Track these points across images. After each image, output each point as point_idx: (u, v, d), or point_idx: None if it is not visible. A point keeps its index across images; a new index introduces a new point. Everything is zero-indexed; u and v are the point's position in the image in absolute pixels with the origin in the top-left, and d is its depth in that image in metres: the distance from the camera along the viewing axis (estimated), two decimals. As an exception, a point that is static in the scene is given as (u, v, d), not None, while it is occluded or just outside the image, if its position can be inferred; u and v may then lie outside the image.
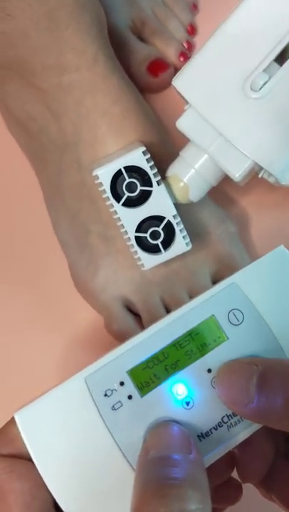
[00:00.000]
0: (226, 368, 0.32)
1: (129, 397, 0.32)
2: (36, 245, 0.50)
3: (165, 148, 0.44)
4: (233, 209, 0.51)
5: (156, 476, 0.29)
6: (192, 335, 0.33)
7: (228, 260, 0.46)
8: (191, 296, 0.46)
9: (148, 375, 0.32)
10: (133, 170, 0.41)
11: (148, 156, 0.40)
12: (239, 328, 0.33)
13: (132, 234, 0.41)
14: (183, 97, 0.40)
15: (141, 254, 0.42)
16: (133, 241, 0.41)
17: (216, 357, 0.33)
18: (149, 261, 0.42)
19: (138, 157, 0.40)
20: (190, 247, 0.42)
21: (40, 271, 0.49)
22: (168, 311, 0.46)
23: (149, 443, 0.31)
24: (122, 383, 0.32)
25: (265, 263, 0.35)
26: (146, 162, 0.40)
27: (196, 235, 0.45)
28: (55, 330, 0.48)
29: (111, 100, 0.42)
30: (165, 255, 0.42)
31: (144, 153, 0.40)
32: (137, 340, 0.33)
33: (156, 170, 0.41)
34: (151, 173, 0.40)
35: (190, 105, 0.40)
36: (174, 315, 0.34)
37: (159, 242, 0.41)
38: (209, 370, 0.33)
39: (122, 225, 0.41)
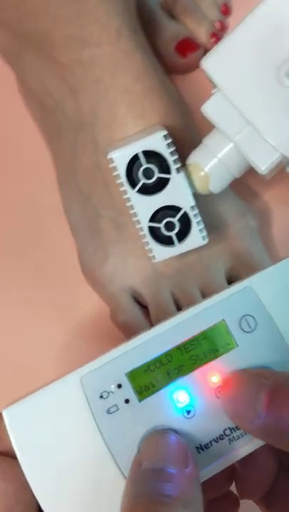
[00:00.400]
0: (233, 378, 0.30)
1: (127, 401, 0.30)
2: (46, 227, 0.47)
3: (188, 134, 0.42)
4: (255, 203, 0.48)
5: (147, 490, 0.26)
6: (199, 339, 0.31)
7: (245, 257, 0.43)
8: (203, 293, 0.43)
9: (148, 379, 0.30)
10: (151, 155, 0.38)
11: (169, 140, 0.38)
12: (250, 336, 0.31)
13: (145, 223, 0.39)
14: (211, 80, 0.38)
15: (153, 245, 0.39)
16: (146, 231, 0.39)
17: (223, 364, 0.31)
18: (161, 253, 0.39)
19: (158, 141, 0.38)
20: (206, 241, 0.39)
21: (48, 254, 0.47)
22: (178, 306, 0.44)
23: (143, 452, 0.29)
24: (119, 386, 0.30)
25: (284, 268, 0.32)
26: (166, 147, 0.38)
27: (213, 227, 0.43)
28: (58, 316, 0.46)
29: (132, 78, 0.39)
30: (179, 248, 0.39)
31: (165, 137, 0.38)
32: (140, 340, 0.31)
33: (176, 156, 0.38)
34: (170, 159, 0.38)
35: (218, 89, 0.37)
36: (182, 316, 0.31)
37: (173, 233, 0.39)
38: (215, 379, 0.30)
39: (135, 213, 0.39)
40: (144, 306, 0.45)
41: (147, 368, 0.30)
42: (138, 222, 0.39)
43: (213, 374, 0.30)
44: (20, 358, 0.45)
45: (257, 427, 0.28)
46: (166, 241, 0.39)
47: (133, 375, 0.30)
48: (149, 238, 0.39)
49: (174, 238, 0.39)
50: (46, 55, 0.40)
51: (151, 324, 0.44)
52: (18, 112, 0.48)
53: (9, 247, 0.47)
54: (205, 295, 0.43)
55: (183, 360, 0.31)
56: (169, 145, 0.38)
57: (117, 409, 0.30)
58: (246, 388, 0.29)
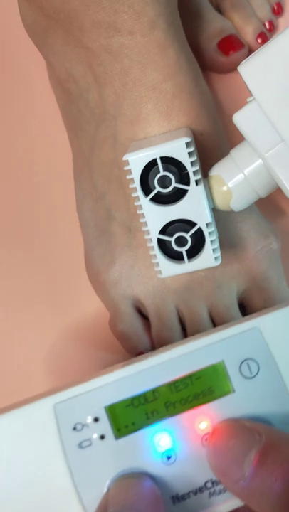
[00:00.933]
0: (224, 428, 0.27)
1: (102, 437, 0.27)
2: (56, 220, 0.44)
3: (217, 141, 0.38)
4: (281, 221, 0.44)
5: None
6: (193, 378, 0.28)
7: (261, 281, 0.40)
8: (211, 313, 0.40)
9: (129, 416, 0.27)
10: (171, 162, 0.35)
11: (192, 149, 0.34)
12: (250, 383, 0.28)
13: (154, 235, 0.35)
14: (247, 87, 0.34)
15: (161, 259, 0.36)
16: (154, 243, 0.36)
17: (215, 410, 0.28)
18: (168, 269, 0.36)
19: (179, 149, 0.34)
20: (219, 262, 0.36)
21: (54, 248, 0.44)
22: (181, 322, 0.41)
23: (111, 496, 0.26)
24: (96, 419, 0.27)
25: None
26: (187, 156, 0.34)
27: (230, 245, 0.39)
28: (56, 315, 0.43)
29: (163, 75, 0.36)
30: (188, 266, 0.36)
31: (187, 144, 0.34)
32: (126, 371, 0.28)
33: (198, 167, 0.35)
34: (191, 170, 0.34)
35: (254, 98, 0.33)
36: (177, 350, 0.28)
37: (184, 250, 0.35)
38: (203, 425, 0.27)
39: (146, 222, 0.35)
40: (146, 318, 0.42)
41: (130, 403, 0.27)
42: (148, 232, 0.36)
43: (203, 419, 0.27)
44: (9, 353, 0.43)
45: (240, 489, 0.25)
46: (176, 256, 0.36)
47: (113, 410, 0.27)
48: (157, 251, 0.36)
49: (184, 255, 0.36)
50: (74, 38, 0.37)
51: (151, 338, 0.41)
52: (41, 96, 0.45)
53: (15, 236, 0.44)
54: (212, 315, 0.40)
55: (171, 400, 0.28)
56: (191, 154, 0.34)
57: (90, 444, 0.27)
58: (236, 443, 0.26)
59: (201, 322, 0.40)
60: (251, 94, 0.34)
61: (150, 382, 0.28)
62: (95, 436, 0.27)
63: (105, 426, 0.27)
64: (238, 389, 0.28)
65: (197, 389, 0.28)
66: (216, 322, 0.40)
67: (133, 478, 0.26)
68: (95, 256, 0.41)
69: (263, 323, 0.29)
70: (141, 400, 0.27)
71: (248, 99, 0.35)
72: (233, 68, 0.45)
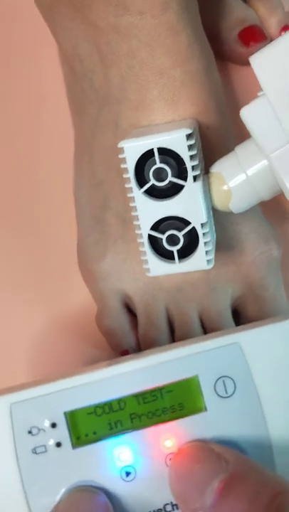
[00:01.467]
0: (190, 450, 0.25)
1: (58, 444, 0.25)
2: (55, 207, 0.42)
3: (223, 136, 0.36)
4: (285, 225, 0.42)
5: None
6: (163, 392, 0.26)
7: (257, 289, 0.38)
8: (201, 316, 0.38)
9: (91, 425, 0.25)
10: (169, 154, 0.32)
11: (192, 142, 0.32)
12: (225, 402, 0.26)
13: (145, 230, 0.33)
14: (258, 81, 0.32)
15: (150, 256, 0.34)
16: (145, 239, 0.33)
17: (183, 428, 0.26)
18: (156, 267, 0.34)
19: (179, 140, 0.32)
20: (211, 266, 0.33)
21: (47, 235, 0.42)
22: (170, 323, 0.38)
23: (60, 509, 0.24)
24: (54, 425, 0.25)
25: (283, 329, 0.26)
26: (187, 149, 0.32)
27: (228, 247, 0.37)
28: (44, 304, 0.41)
29: (172, 60, 0.33)
30: (178, 267, 0.34)
31: (188, 137, 0.32)
32: (92, 376, 0.26)
33: (197, 162, 0.32)
34: (189, 164, 0.32)
35: (264, 93, 0.31)
36: (149, 358, 0.26)
37: (175, 249, 0.33)
38: (169, 443, 0.25)
39: (138, 216, 0.33)
40: (134, 315, 0.40)
41: (93, 411, 0.25)
42: (139, 227, 0.33)
43: (169, 437, 0.25)
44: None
45: None
46: (166, 255, 0.34)
47: (73, 416, 0.25)
48: (147, 248, 0.34)
49: (176, 254, 0.33)
50: (82, 14, 0.35)
51: (137, 336, 0.39)
52: (50, 74, 0.43)
53: (7, 221, 0.42)
54: (203, 320, 0.38)
55: (138, 412, 0.26)
56: (191, 147, 0.32)
57: (45, 450, 0.25)
58: (201, 468, 0.24)
59: (190, 325, 0.37)
60: (261, 89, 0.32)
61: (117, 391, 0.26)
62: (51, 442, 0.25)
63: (63, 433, 0.25)
64: (210, 408, 0.26)
65: (166, 403, 0.26)
66: (206, 327, 0.38)
67: (86, 492, 0.24)
68: (87, 244, 0.39)
69: (245, 339, 0.26)
70: (105, 409, 0.25)
71: (259, 94, 0.32)
72: (251, 61, 0.43)
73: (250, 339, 0.26)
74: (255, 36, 0.42)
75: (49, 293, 0.42)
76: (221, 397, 0.26)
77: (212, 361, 0.26)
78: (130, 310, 0.40)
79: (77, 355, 0.40)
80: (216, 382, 0.26)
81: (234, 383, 0.26)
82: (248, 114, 0.32)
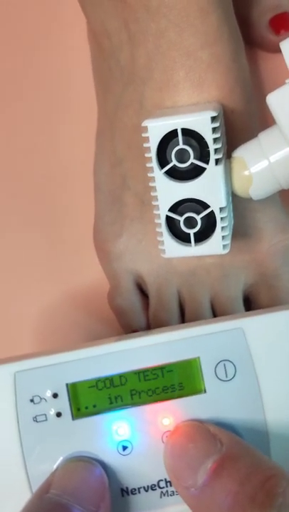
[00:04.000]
0: (186, 429, 0.25)
1: (58, 414, 0.25)
2: (72, 179, 0.42)
3: (248, 123, 0.35)
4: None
5: None
6: (164, 370, 0.26)
7: (271, 278, 0.37)
8: (213, 302, 0.38)
9: (91, 397, 0.25)
10: (192, 135, 0.32)
11: (217, 124, 0.32)
12: (224, 385, 0.26)
13: (163, 211, 0.33)
14: (287, 67, 0.31)
15: (166, 238, 0.34)
16: (163, 220, 0.33)
17: (181, 408, 0.26)
18: (172, 249, 0.34)
19: (203, 122, 0.32)
20: (227, 251, 0.33)
21: (64, 210, 0.42)
22: (181, 306, 0.38)
23: (56, 477, 0.24)
24: (55, 395, 0.25)
25: (287, 318, 0.26)
26: (211, 131, 0.32)
27: (245, 234, 0.37)
28: (55, 277, 0.41)
29: (200, 42, 0.33)
30: (193, 250, 0.33)
31: (212, 119, 0.32)
32: (96, 351, 0.26)
33: (220, 145, 0.32)
34: (212, 147, 0.32)
35: (292, 80, 0.31)
36: (154, 337, 0.26)
37: (192, 232, 0.33)
38: (166, 421, 0.25)
39: (157, 196, 0.33)
40: (146, 296, 0.40)
41: (94, 384, 0.25)
42: (157, 207, 0.33)
43: (167, 415, 0.25)
44: (4, 307, 0.41)
45: (190, 496, 0.23)
46: (182, 238, 0.34)
47: (75, 388, 0.25)
48: (164, 229, 0.33)
49: (192, 237, 0.33)
50: None
51: (148, 317, 0.39)
52: (77, 49, 0.42)
53: (24, 196, 0.42)
54: (214, 306, 0.38)
55: (138, 389, 0.26)
56: (215, 130, 0.32)
57: (46, 419, 0.25)
58: (195, 447, 0.24)
59: (200, 310, 0.37)
60: (290, 76, 0.31)
61: (119, 367, 0.26)
62: (52, 412, 0.25)
63: (64, 403, 0.25)
64: (210, 390, 0.26)
65: (167, 382, 0.26)
66: (216, 313, 0.38)
67: (83, 462, 0.25)
68: (104, 223, 0.39)
69: (249, 324, 0.26)
70: (106, 383, 0.26)
71: (287, 81, 0.32)
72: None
73: (254, 325, 0.26)
74: (287, 24, 0.41)
75: (63, 268, 0.42)
76: (221, 380, 0.26)
77: (214, 344, 0.26)
78: (142, 291, 0.40)
79: (86, 332, 0.41)
80: (217, 365, 0.26)
81: (235, 368, 0.26)
82: (275, 100, 0.31)
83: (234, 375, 0.26)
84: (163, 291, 0.38)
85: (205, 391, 0.26)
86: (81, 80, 0.42)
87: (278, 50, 0.42)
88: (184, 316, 0.38)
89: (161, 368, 0.26)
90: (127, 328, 0.39)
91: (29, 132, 0.43)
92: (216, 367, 0.26)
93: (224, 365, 0.26)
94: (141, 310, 0.39)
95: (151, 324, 0.38)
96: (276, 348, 0.26)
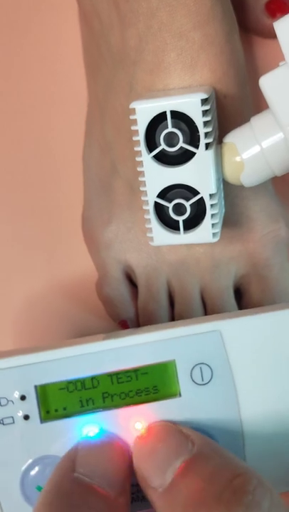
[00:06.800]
0: (157, 430, 0.21)
1: (26, 417, 0.21)
2: (63, 167, 0.37)
3: (240, 108, 0.30)
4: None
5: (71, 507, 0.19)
6: (138, 373, 0.21)
7: (262, 269, 0.32)
8: (202, 293, 0.33)
9: (61, 400, 0.21)
10: (182, 119, 0.27)
11: (207, 107, 0.27)
12: (200, 389, 0.21)
13: (152, 197, 0.28)
14: (281, 49, 0.26)
15: (154, 225, 0.29)
16: (151, 206, 0.29)
17: (155, 412, 0.22)
18: (160, 237, 0.29)
19: (193, 104, 0.27)
20: (216, 239, 0.28)
21: (54, 197, 0.37)
22: (170, 297, 0.33)
23: (80, 456, 0.21)
24: (23, 397, 0.21)
25: (265, 321, 0.22)
26: (201, 114, 0.27)
27: (236, 224, 0.32)
28: (43, 265, 0.37)
29: (193, 23, 0.28)
30: (182, 238, 0.29)
31: (203, 101, 0.27)
32: (68, 352, 0.21)
33: (211, 129, 0.27)
34: (202, 131, 0.27)
35: (285, 63, 0.26)
36: (128, 339, 0.21)
37: (181, 219, 0.28)
38: (139, 425, 0.21)
39: (145, 182, 0.28)
40: (135, 286, 0.35)
41: (65, 386, 0.21)
42: (145, 193, 0.28)
43: (139, 419, 0.21)
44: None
45: (156, 497, 0.20)
46: (171, 225, 0.29)
47: (44, 390, 0.21)
48: (152, 216, 0.29)
49: (181, 225, 0.28)
50: None
51: (137, 307, 0.34)
52: (69, 32, 0.37)
53: (14, 182, 0.37)
54: (204, 297, 0.33)
55: (110, 391, 0.21)
56: (205, 113, 0.27)
57: (12, 422, 0.21)
58: (165, 447, 0.21)
59: (190, 300, 0.32)
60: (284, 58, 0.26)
61: (91, 369, 0.22)
62: (20, 414, 0.21)
63: (32, 406, 0.21)
64: (184, 394, 0.22)
65: (141, 385, 0.21)
66: (206, 304, 0.33)
67: (107, 440, 0.22)
68: (92, 211, 0.34)
69: (227, 327, 0.22)
70: (77, 386, 0.21)
71: (281, 63, 0.27)
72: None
73: (232, 328, 0.22)
74: (284, 8, 0.36)
75: (51, 258, 0.37)
76: (197, 384, 0.22)
77: (191, 347, 0.22)
78: (132, 281, 0.35)
79: (74, 322, 0.36)
80: (193, 368, 0.22)
81: (211, 371, 0.22)
82: (268, 83, 0.27)
83: (210, 379, 0.22)
84: (152, 281, 0.33)
85: (180, 395, 0.22)
86: (72, 65, 0.37)
87: (274, 36, 0.36)
88: (174, 307, 0.33)
89: (135, 371, 0.22)
90: (116, 318, 0.34)
91: (18, 118, 0.38)
92: (192, 370, 0.22)
93: (200, 368, 0.22)
94: (129, 300, 0.34)
95: (140, 315, 0.34)
96: (254, 351, 0.22)
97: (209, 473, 0.20)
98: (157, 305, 0.33)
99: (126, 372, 0.21)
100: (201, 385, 0.22)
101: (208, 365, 0.22)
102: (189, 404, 0.22)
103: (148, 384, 0.22)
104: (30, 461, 0.21)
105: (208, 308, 0.33)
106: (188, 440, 0.21)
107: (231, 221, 0.32)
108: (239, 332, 0.22)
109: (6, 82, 0.38)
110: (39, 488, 0.22)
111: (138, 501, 0.22)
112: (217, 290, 0.33)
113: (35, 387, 0.21)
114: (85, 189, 0.35)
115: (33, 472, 0.22)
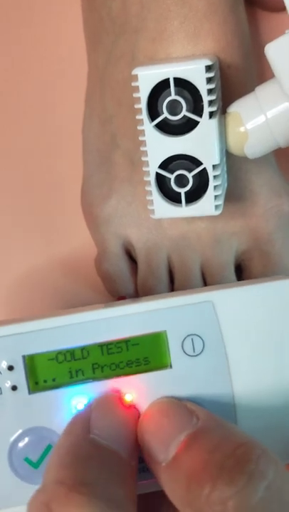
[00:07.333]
0: (161, 406, 0.20)
1: (14, 387, 0.20)
2: (61, 142, 0.35)
3: (244, 78, 0.29)
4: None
5: (92, 471, 0.19)
6: (129, 344, 0.20)
7: (264, 244, 0.31)
8: (203, 269, 0.31)
9: (51, 371, 0.20)
10: (186, 86, 0.26)
11: (212, 74, 0.25)
12: (191, 361, 0.21)
13: (153, 168, 0.27)
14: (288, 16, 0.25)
15: (156, 197, 0.27)
16: (152, 178, 0.27)
17: (145, 383, 0.21)
18: (162, 210, 0.27)
19: (198, 72, 0.25)
20: (219, 212, 0.27)
21: (53, 172, 0.35)
22: (171, 273, 0.32)
23: (94, 418, 0.20)
24: (11, 368, 0.20)
25: (258, 292, 0.20)
26: (205, 82, 0.25)
27: (238, 198, 0.30)
28: (42, 240, 0.35)
29: None
30: (184, 211, 0.27)
31: (207, 68, 0.25)
32: (58, 321, 0.20)
33: (215, 97, 0.26)
34: (206, 98, 0.25)
35: (293, 30, 0.24)
36: (119, 309, 0.20)
37: (183, 191, 0.27)
38: (129, 396, 0.20)
39: (147, 152, 0.27)
40: (135, 262, 0.33)
41: (54, 357, 0.20)
42: (147, 164, 0.27)
43: (129, 391, 0.20)
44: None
45: (160, 471, 0.20)
46: (173, 197, 0.27)
47: (33, 360, 0.20)
48: (153, 187, 0.27)
49: (183, 197, 0.27)
50: None
51: (136, 283, 0.32)
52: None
53: (12, 157, 0.36)
54: (204, 272, 0.32)
55: (100, 362, 0.20)
56: (209, 80, 0.25)
57: (0, 393, 0.19)
58: (169, 422, 0.20)
59: (190, 276, 0.31)
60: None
61: (81, 339, 0.21)
62: (8, 385, 0.20)
63: (20, 376, 0.20)
64: (175, 365, 0.21)
65: (131, 356, 0.20)
66: (206, 280, 0.32)
67: (120, 404, 0.21)
68: (92, 185, 0.33)
69: (219, 298, 0.21)
70: (67, 356, 0.20)
71: (287, 31, 0.25)
72: (282, 8, 0.35)
73: (225, 299, 0.21)
74: None
75: (50, 233, 0.36)
76: (188, 355, 0.21)
77: (182, 318, 0.21)
78: (131, 256, 0.34)
79: (72, 297, 0.35)
80: (184, 339, 0.21)
81: (203, 342, 0.21)
82: (274, 51, 0.25)
83: (202, 350, 0.21)
84: (152, 256, 0.32)
85: (171, 366, 0.21)
86: (72, 36, 0.35)
87: (279, 9, 0.35)
88: (174, 283, 0.32)
89: (126, 341, 0.21)
90: (114, 293, 0.33)
91: (16, 93, 0.36)
92: (183, 341, 0.21)
93: (192, 339, 0.21)
94: (129, 276, 0.33)
95: (140, 291, 0.32)
96: (246, 322, 0.21)
97: (213, 445, 0.19)
98: (157, 281, 0.32)
99: (117, 343, 0.20)
100: (192, 356, 0.21)
101: (199, 337, 0.21)
102: (180, 376, 0.21)
103: (139, 355, 0.21)
104: (18, 432, 0.20)
105: (208, 284, 0.31)
106: (192, 415, 0.20)
107: (234, 195, 0.30)
108: (232, 303, 0.21)
109: (5, 56, 0.36)
110: (27, 460, 0.21)
111: (144, 472, 0.21)
112: (218, 266, 0.31)
113: (24, 357, 0.20)
114: (85, 163, 0.34)
115: (21, 444, 0.21)
